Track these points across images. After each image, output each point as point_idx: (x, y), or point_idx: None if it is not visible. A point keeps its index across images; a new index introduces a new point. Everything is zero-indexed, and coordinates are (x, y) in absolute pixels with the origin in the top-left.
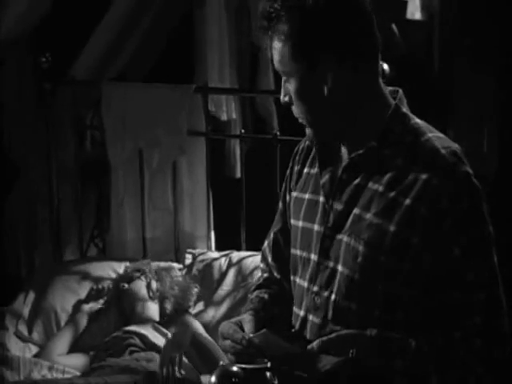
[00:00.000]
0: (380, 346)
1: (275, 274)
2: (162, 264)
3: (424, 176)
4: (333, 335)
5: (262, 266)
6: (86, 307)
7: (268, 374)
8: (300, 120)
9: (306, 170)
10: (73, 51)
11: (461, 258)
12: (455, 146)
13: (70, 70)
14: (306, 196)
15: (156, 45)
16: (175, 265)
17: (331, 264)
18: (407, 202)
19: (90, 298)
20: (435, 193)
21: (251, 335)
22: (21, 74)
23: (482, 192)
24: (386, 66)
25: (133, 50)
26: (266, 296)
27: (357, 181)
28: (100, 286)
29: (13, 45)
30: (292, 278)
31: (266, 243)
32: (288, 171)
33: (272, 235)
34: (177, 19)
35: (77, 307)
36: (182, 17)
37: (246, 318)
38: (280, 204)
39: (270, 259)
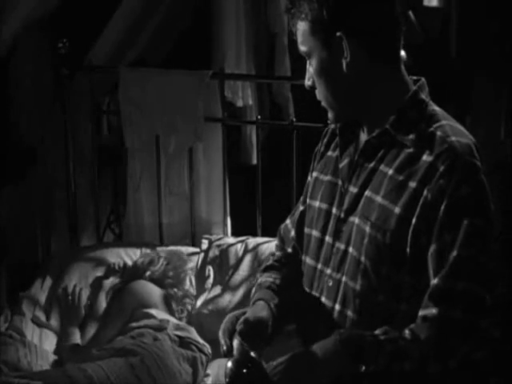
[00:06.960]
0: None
1: (294, 250)
2: (170, 248)
3: (431, 160)
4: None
5: (277, 242)
6: (107, 282)
7: None
8: (322, 104)
9: (329, 153)
10: (90, 36)
11: (450, 244)
12: (469, 138)
13: (87, 55)
14: (326, 178)
15: (173, 31)
16: (190, 248)
17: (343, 246)
18: (413, 184)
19: (110, 273)
20: (439, 178)
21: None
22: (38, 59)
23: (486, 188)
24: (403, 53)
25: (150, 35)
26: (277, 282)
27: (372, 164)
28: (121, 263)
29: (30, 30)
30: (303, 257)
31: (288, 220)
32: (316, 150)
33: (299, 211)
34: (194, 5)
35: (96, 285)
36: (199, 2)
37: (259, 307)
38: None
39: (293, 233)
